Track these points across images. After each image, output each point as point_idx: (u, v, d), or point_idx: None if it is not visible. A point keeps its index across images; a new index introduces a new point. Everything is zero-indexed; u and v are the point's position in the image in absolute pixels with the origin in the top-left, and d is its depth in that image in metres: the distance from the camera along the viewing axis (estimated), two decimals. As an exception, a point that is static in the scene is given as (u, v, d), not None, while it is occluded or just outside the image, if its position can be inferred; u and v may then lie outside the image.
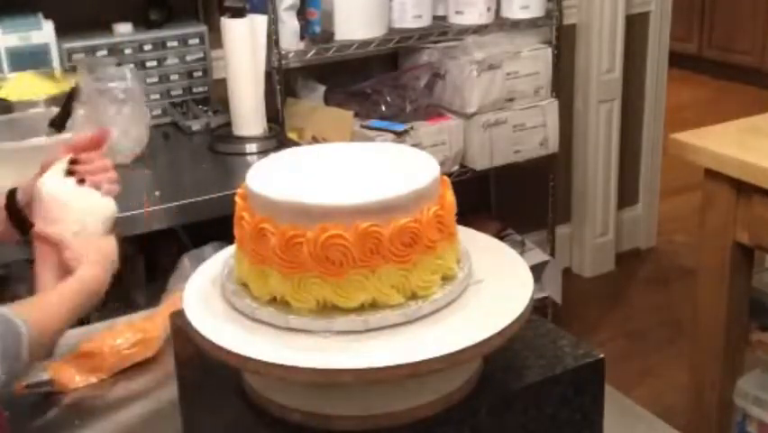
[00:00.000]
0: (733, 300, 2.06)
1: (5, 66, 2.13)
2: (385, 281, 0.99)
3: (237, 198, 1.02)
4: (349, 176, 1.07)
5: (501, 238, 2.49)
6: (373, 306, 0.98)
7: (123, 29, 2.30)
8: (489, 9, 2.68)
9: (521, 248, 2.87)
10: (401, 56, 2.84)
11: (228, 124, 2.25)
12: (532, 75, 2.71)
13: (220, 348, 0.93)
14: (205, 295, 1.10)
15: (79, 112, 1.76)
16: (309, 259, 0.96)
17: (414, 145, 2.44)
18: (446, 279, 1.03)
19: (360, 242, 0.95)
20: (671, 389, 2.64)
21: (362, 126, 2.51)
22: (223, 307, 1.06)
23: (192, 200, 1.92)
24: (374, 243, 0.96)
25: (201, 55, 2.38)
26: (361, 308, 0.98)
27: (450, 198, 1.03)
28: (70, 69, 2.16)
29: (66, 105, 1.71)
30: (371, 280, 0.98)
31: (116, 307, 1.22)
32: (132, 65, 2.28)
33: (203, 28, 2.39)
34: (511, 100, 2.69)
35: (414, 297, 1.01)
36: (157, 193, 1.94)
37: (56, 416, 1.17)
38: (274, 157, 1.12)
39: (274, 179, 1.03)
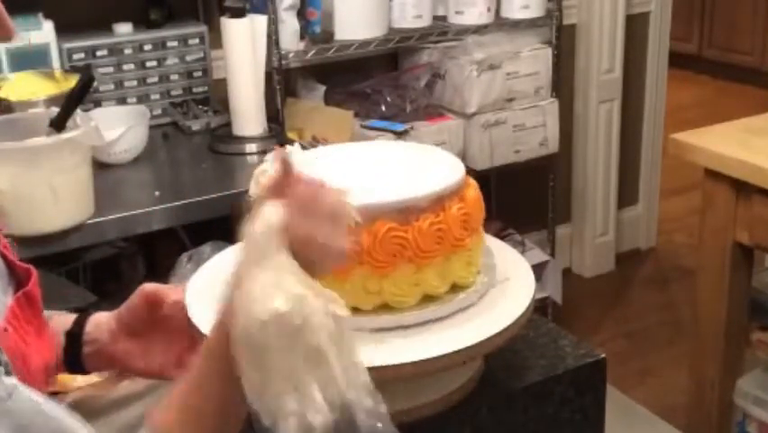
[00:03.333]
0: (733, 300, 2.06)
1: (5, 66, 2.13)
2: (456, 264, 1.01)
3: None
4: (383, 171, 1.08)
5: (501, 238, 2.49)
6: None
7: (123, 29, 2.30)
8: (489, 9, 2.67)
9: (521, 248, 2.87)
10: (401, 56, 2.84)
11: (228, 124, 2.25)
12: (532, 75, 2.71)
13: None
14: (209, 294, 1.10)
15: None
16: (405, 251, 0.97)
17: (414, 145, 2.43)
18: None
19: (455, 224, 0.98)
20: (671, 389, 2.64)
21: (362, 126, 2.51)
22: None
23: (192, 200, 1.92)
24: (440, 232, 0.99)
25: (201, 55, 2.37)
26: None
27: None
28: (70, 69, 2.16)
29: (67, 104, 1.71)
30: (452, 263, 1.00)
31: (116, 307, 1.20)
32: (132, 65, 2.29)
33: (203, 28, 2.39)
34: (511, 100, 2.69)
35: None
36: (157, 193, 1.94)
37: (56, 416, 1.16)
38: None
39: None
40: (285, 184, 0.81)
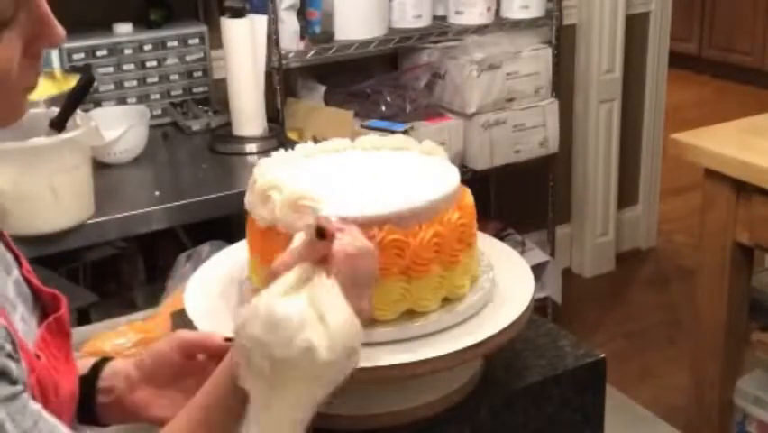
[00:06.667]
0: (733, 300, 2.06)
1: (5, 66, 2.13)
2: (458, 274, 1.00)
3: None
4: (378, 178, 1.07)
5: (501, 238, 2.49)
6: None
7: (123, 29, 2.30)
8: (489, 9, 2.68)
9: (521, 248, 2.87)
10: (401, 56, 2.84)
11: (228, 124, 2.25)
12: (532, 75, 2.71)
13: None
14: (208, 295, 1.10)
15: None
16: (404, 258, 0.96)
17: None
18: None
19: (454, 233, 0.97)
20: (671, 389, 2.64)
21: (362, 126, 2.51)
22: (226, 305, 1.06)
23: (192, 200, 1.92)
24: (440, 242, 0.98)
25: (201, 55, 2.38)
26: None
27: None
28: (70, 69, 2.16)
29: (67, 104, 1.71)
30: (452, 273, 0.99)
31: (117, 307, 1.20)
32: (132, 65, 2.29)
33: (203, 28, 2.39)
34: (511, 100, 2.69)
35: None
36: (157, 193, 1.94)
37: (56, 416, 1.16)
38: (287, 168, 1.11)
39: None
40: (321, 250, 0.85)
